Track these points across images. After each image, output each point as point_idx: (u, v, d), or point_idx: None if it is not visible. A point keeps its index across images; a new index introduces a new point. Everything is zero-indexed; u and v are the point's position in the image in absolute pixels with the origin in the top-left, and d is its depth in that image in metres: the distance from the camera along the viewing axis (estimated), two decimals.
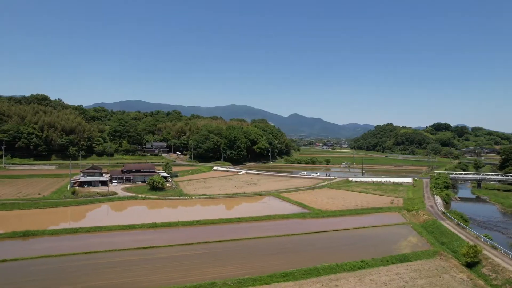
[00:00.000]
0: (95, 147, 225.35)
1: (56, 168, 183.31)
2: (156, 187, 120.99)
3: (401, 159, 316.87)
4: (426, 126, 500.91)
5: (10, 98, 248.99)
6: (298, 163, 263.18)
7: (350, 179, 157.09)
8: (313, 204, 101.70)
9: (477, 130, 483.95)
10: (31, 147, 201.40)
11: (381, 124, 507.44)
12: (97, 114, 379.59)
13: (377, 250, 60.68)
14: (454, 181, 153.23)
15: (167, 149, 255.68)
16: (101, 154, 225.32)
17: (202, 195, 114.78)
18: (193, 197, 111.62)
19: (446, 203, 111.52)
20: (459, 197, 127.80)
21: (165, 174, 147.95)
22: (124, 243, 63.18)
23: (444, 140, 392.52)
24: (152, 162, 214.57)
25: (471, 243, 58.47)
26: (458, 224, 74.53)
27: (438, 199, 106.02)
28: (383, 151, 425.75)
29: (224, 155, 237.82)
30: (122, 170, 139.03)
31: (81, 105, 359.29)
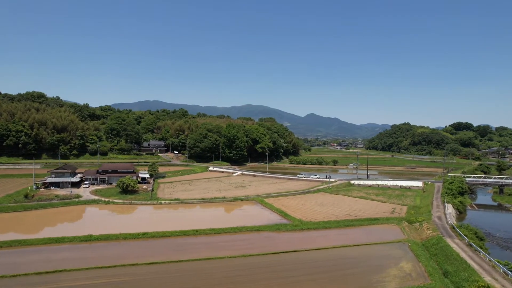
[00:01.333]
0: (88, 146, 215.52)
1: (42, 168, 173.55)
2: (127, 190, 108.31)
3: (416, 160, 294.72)
4: (446, 126, 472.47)
5: (4, 95, 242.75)
6: (303, 163, 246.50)
7: (352, 182, 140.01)
8: (297, 212, 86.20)
9: (501, 130, 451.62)
10: (20, 145, 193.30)
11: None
12: (103, 112, 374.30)
13: (352, 283, 44.98)
14: (472, 185, 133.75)
15: (164, 148, 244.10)
16: (94, 153, 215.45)
17: (175, 199, 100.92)
18: (163, 202, 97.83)
19: (460, 212, 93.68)
20: (476, 205, 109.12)
21: (145, 175, 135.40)
22: (31, 264, 49.80)
23: (465, 140, 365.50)
24: (145, 162, 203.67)
25: (485, 278, 42.03)
26: (470, 245, 57.46)
27: (449, 208, 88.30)
28: (399, 152, 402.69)
29: (223, 154, 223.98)
30: (97, 170, 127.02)
31: (87, 103, 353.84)
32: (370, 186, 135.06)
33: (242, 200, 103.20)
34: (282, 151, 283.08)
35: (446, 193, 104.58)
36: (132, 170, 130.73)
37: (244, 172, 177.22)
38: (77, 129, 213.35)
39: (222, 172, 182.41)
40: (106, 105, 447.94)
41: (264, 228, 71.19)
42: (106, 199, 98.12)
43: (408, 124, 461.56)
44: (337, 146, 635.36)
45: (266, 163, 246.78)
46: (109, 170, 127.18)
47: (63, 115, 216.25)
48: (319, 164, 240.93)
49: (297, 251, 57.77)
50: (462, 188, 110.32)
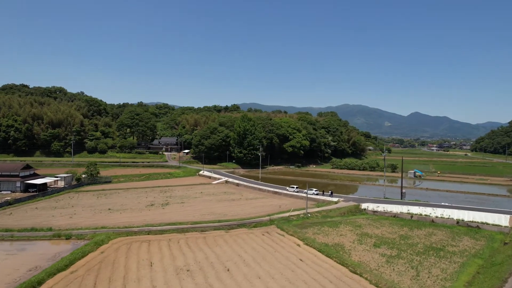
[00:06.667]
0: (87, 143, 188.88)
1: None
2: None
3: None
4: None
5: (20, 89, 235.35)
6: (350, 168, 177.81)
7: (364, 206, 74.69)
8: None
9: None
10: (10, 141, 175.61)
11: None
12: (158, 110, 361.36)
13: None
14: None
15: (176, 146, 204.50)
16: (92, 151, 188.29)
17: None
18: None
19: None
20: None
21: (46, 181, 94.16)
22: None
23: None
24: (133, 162, 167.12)
25: None
26: None
27: None
28: None
29: (233, 154, 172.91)
30: None
31: (125, 103, 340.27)
32: (394, 216, 68.55)
33: (69, 239, 51.80)
34: (330, 151, 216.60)
35: None
36: (17, 174, 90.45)
37: (229, 180, 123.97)
38: (74, 124, 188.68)
39: (210, 177, 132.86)
40: (163, 103, 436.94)
41: None
42: None
43: None
44: (434, 147, 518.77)
45: (298, 166, 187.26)
46: None
47: (61, 109, 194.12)
48: (371, 170, 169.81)
49: None
50: None
